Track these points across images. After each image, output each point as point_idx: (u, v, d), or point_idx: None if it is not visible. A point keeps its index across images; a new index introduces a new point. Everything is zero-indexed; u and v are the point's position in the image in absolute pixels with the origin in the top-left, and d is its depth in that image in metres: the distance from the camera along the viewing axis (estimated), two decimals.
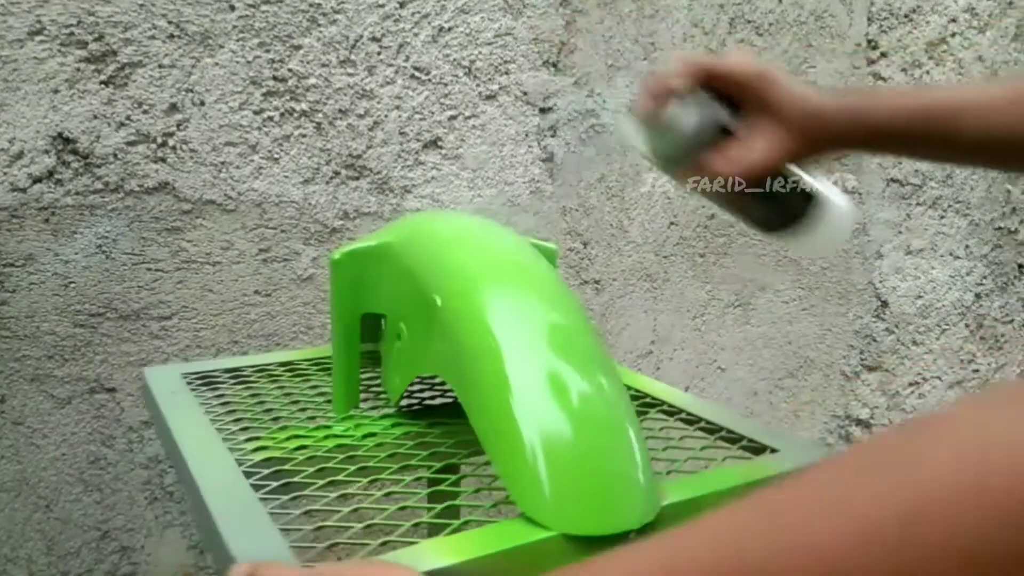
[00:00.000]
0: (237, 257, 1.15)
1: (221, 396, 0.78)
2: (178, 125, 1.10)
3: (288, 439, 0.64)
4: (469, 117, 1.21)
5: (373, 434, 0.65)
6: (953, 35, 1.46)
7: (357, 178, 1.18)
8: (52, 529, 1.10)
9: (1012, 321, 1.60)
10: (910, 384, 1.56)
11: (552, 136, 1.25)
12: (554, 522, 0.47)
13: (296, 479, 0.57)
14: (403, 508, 0.55)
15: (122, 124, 1.07)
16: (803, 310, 1.48)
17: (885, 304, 1.53)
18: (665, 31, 1.30)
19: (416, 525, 0.54)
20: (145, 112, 1.08)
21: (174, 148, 1.10)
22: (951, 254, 1.54)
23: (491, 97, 1.22)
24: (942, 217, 1.52)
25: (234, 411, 0.72)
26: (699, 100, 0.59)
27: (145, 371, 0.82)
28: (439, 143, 1.21)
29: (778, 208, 0.62)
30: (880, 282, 1.52)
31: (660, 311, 1.33)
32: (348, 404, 0.70)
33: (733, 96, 0.59)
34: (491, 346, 0.51)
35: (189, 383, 0.81)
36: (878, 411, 1.56)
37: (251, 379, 0.84)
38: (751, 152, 0.58)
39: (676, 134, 0.59)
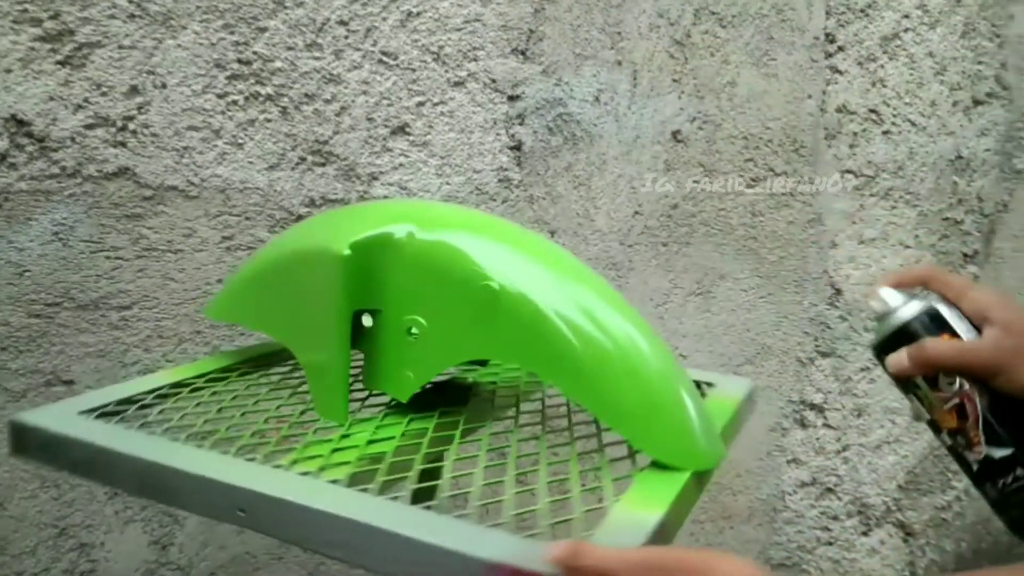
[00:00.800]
0: (200, 245, 1.12)
1: (162, 423, 0.66)
2: (139, 108, 1.06)
3: (334, 453, 0.58)
4: (437, 104, 1.20)
5: (409, 432, 0.64)
6: (906, 30, 1.50)
7: (323, 164, 1.16)
8: (6, 528, 1.06)
9: None
10: (861, 369, 1.61)
11: (520, 124, 1.25)
12: (688, 462, 0.56)
13: (413, 485, 0.57)
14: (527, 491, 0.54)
15: (80, 107, 1.03)
16: (761, 298, 1.51)
17: (839, 292, 1.57)
18: (632, 21, 1.30)
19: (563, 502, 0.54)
20: (104, 94, 1.04)
21: (134, 132, 1.07)
22: (901, 243, 1.59)
23: (459, 84, 1.21)
24: (893, 208, 1.56)
25: (201, 436, 0.62)
26: (929, 296, 0.56)
27: (22, 416, 0.63)
28: (407, 129, 1.19)
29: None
30: (834, 271, 1.56)
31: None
32: (347, 410, 0.66)
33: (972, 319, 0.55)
34: (576, 322, 0.57)
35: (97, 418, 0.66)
36: (831, 396, 1.60)
37: (168, 406, 0.71)
38: (973, 344, 0.52)
39: (890, 319, 0.56)
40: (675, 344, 1.43)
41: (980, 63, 1.58)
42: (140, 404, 0.68)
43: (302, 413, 0.68)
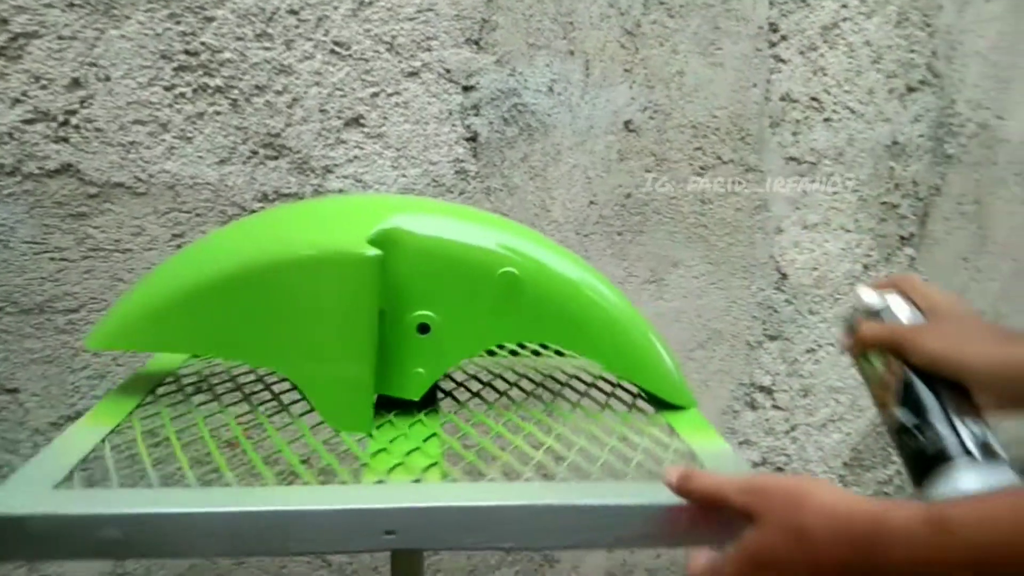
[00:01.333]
0: (149, 243, 1.08)
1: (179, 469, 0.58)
2: (81, 102, 1.02)
3: (394, 469, 0.56)
4: (392, 94, 1.18)
5: (429, 424, 0.63)
6: (844, 20, 1.54)
7: (276, 158, 1.13)
8: None
9: None
10: (807, 351, 1.65)
11: (476, 115, 1.24)
12: (686, 400, 0.70)
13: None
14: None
15: (17, 101, 0.98)
16: (711, 284, 1.53)
17: (785, 276, 1.60)
18: (583, 10, 1.30)
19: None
20: (44, 88, 1.00)
21: (77, 127, 1.02)
22: (843, 228, 1.63)
23: (414, 74, 1.19)
24: (835, 193, 1.61)
25: (215, 472, 0.56)
26: (892, 294, 0.62)
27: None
28: (361, 121, 1.17)
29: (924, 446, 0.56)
30: (780, 256, 1.59)
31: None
32: (372, 417, 0.63)
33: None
34: (592, 295, 0.66)
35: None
36: (779, 378, 1.64)
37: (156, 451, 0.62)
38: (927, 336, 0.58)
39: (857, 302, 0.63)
40: None
41: (913, 51, 1.63)
42: (102, 458, 0.59)
43: (315, 427, 0.64)
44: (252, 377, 0.77)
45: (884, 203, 1.67)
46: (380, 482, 0.54)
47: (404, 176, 1.21)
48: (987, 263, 1.87)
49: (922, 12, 1.63)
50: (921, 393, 0.57)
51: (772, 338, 1.63)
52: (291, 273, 0.61)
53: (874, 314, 0.62)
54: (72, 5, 0.99)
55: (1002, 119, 1.80)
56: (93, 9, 1.00)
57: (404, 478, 0.54)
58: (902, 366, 0.58)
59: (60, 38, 0.99)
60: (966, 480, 0.54)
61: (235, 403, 0.70)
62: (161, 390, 0.74)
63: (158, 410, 0.68)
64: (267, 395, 0.72)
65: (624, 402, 0.74)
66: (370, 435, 0.62)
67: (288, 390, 0.71)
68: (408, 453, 0.58)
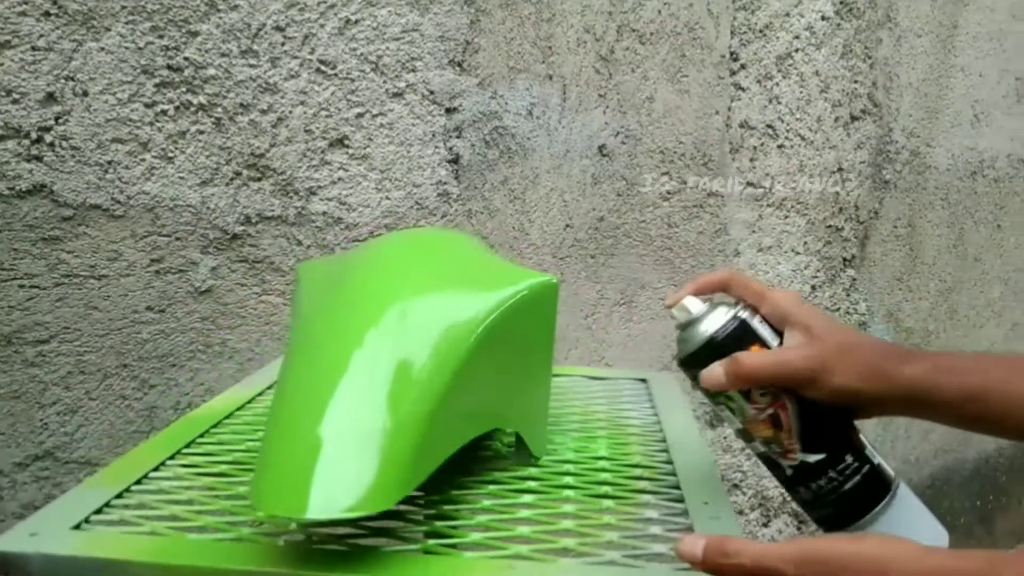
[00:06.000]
0: (126, 269, 1.01)
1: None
2: (56, 118, 0.95)
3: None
4: (377, 115, 1.15)
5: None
6: (797, 51, 1.60)
7: (259, 179, 1.09)
8: None
9: (839, 309, 1.79)
10: None
11: (458, 137, 1.22)
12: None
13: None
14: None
15: None
16: None
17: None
18: (561, 35, 1.31)
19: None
20: (15, 102, 0.92)
21: (52, 145, 0.95)
22: (793, 250, 1.69)
23: (398, 95, 1.16)
24: (786, 217, 1.66)
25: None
26: (729, 303, 0.55)
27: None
28: (346, 142, 1.14)
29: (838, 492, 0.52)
30: None
31: (558, 312, 1.35)
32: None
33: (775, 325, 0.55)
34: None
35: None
36: None
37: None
38: (785, 356, 0.52)
39: (697, 330, 0.54)
40: (602, 354, 1.45)
41: (856, 82, 1.71)
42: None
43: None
44: None
45: (829, 226, 1.74)
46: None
47: (388, 199, 1.18)
48: (917, 283, 1.98)
49: (864, 44, 1.71)
50: (831, 428, 0.53)
51: None
52: (502, 325, 0.57)
53: (732, 335, 0.53)
54: (48, 14, 0.93)
55: (931, 147, 1.91)
56: (71, 19, 0.94)
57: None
58: (796, 401, 0.52)
59: (35, 49, 0.93)
60: (908, 504, 0.53)
61: None
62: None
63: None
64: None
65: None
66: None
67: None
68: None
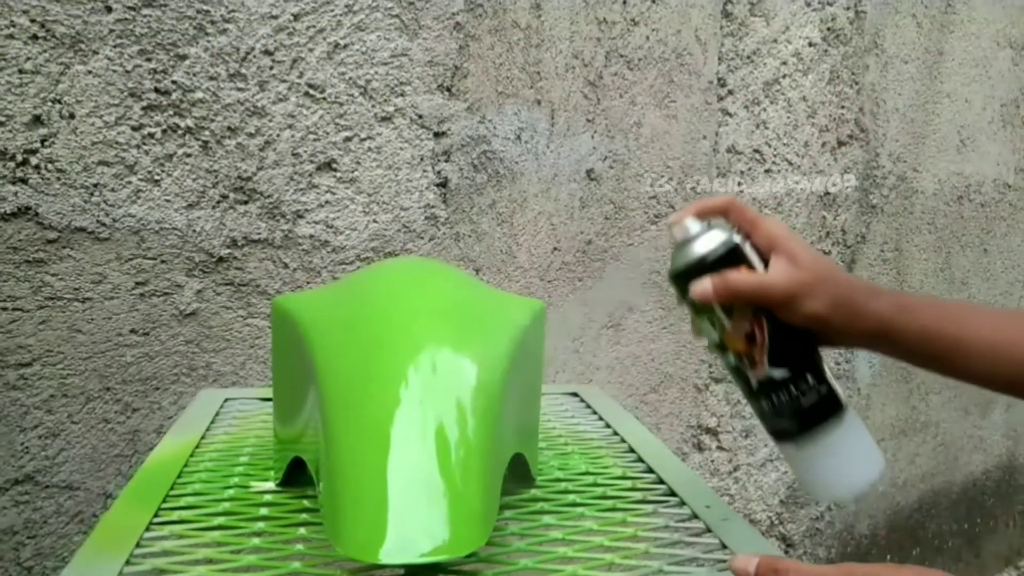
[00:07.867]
0: (110, 292, 1.01)
1: None
2: (42, 141, 0.95)
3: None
4: (365, 139, 1.16)
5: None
6: (784, 76, 1.62)
7: (246, 202, 1.09)
8: None
9: None
10: None
11: (446, 161, 1.23)
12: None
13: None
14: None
15: None
16: (663, 329, 1.56)
17: None
18: (549, 60, 1.32)
19: None
20: (1, 124, 0.92)
21: (37, 167, 0.95)
22: None
23: (387, 119, 1.17)
24: None
25: None
26: (725, 227, 0.59)
27: None
28: (334, 165, 1.14)
29: (794, 403, 0.57)
30: None
31: (545, 335, 1.35)
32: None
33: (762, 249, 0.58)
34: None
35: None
36: (723, 419, 1.68)
37: None
38: (770, 278, 0.56)
39: (692, 248, 0.58)
40: (590, 376, 1.45)
41: (843, 107, 1.73)
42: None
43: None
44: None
45: (817, 250, 1.75)
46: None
47: (375, 222, 1.18)
48: None
49: (851, 70, 1.73)
50: (798, 349, 0.58)
51: (717, 380, 1.67)
52: (516, 358, 0.60)
53: (723, 256, 0.57)
54: (36, 37, 0.93)
55: (917, 171, 1.92)
56: (58, 42, 0.94)
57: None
58: (770, 321, 0.57)
59: (21, 72, 0.93)
60: (855, 427, 0.58)
61: None
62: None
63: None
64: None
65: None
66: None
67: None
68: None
